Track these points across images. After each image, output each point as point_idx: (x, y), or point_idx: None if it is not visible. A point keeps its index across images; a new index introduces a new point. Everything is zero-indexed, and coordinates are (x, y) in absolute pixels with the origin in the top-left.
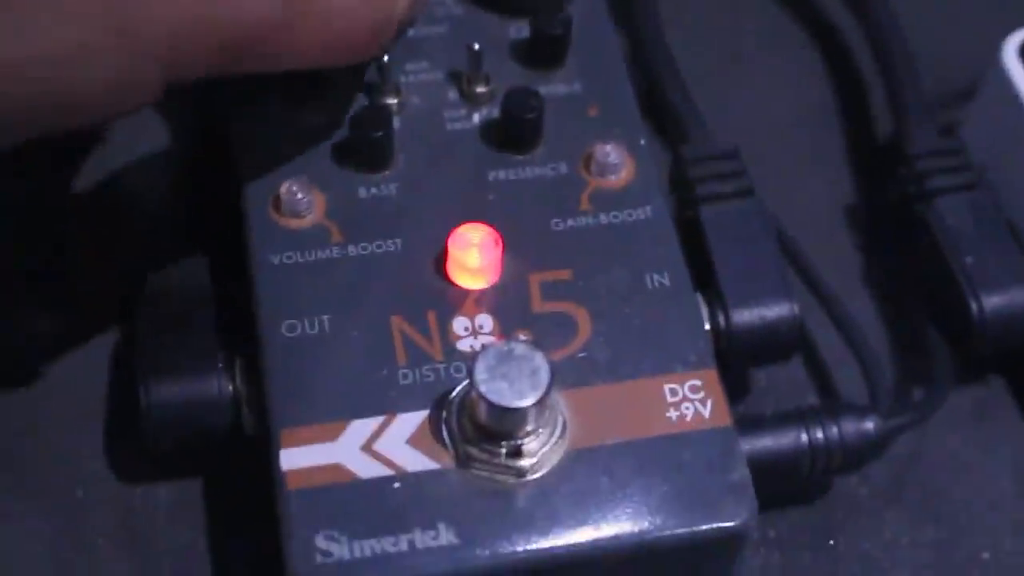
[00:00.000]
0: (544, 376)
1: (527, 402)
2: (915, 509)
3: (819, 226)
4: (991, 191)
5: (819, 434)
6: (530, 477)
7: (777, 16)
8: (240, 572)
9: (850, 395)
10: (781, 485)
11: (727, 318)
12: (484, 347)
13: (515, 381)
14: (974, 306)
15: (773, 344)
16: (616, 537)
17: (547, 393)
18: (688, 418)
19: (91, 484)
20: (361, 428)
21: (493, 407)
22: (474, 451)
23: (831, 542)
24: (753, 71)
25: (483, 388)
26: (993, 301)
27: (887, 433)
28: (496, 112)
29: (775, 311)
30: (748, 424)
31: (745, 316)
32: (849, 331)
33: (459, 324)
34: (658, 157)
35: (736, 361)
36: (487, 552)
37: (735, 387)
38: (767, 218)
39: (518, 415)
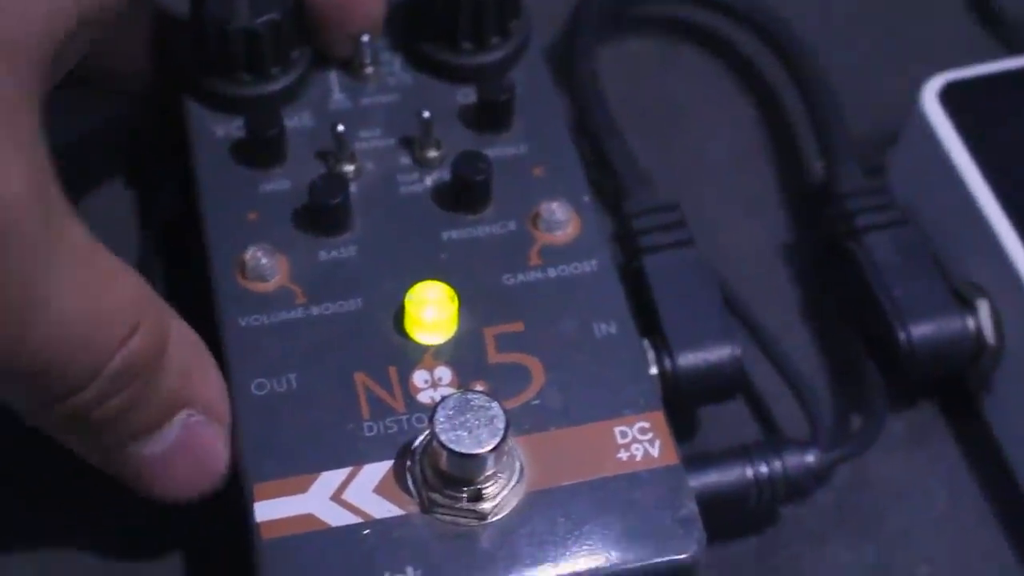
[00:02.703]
0: (500, 424)
1: (485, 449)
2: (856, 532)
3: (757, 265)
4: (917, 227)
5: (763, 468)
6: (491, 520)
7: (711, 69)
8: None
9: (792, 427)
10: (729, 516)
11: (673, 362)
12: (443, 398)
13: (473, 429)
14: (903, 336)
15: (717, 384)
16: (574, 573)
17: (504, 440)
18: (638, 458)
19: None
20: (330, 479)
21: (453, 455)
22: (437, 497)
23: (776, 566)
24: (690, 121)
25: (443, 437)
26: (920, 330)
27: (828, 464)
28: (447, 175)
29: (717, 353)
30: (696, 461)
31: (690, 359)
32: (787, 369)
33: (419, 377)
34: (602, 212)
35: (683, 401)
36: None
37: (683, 425)
38: (707, 265)
39: (477, 462)
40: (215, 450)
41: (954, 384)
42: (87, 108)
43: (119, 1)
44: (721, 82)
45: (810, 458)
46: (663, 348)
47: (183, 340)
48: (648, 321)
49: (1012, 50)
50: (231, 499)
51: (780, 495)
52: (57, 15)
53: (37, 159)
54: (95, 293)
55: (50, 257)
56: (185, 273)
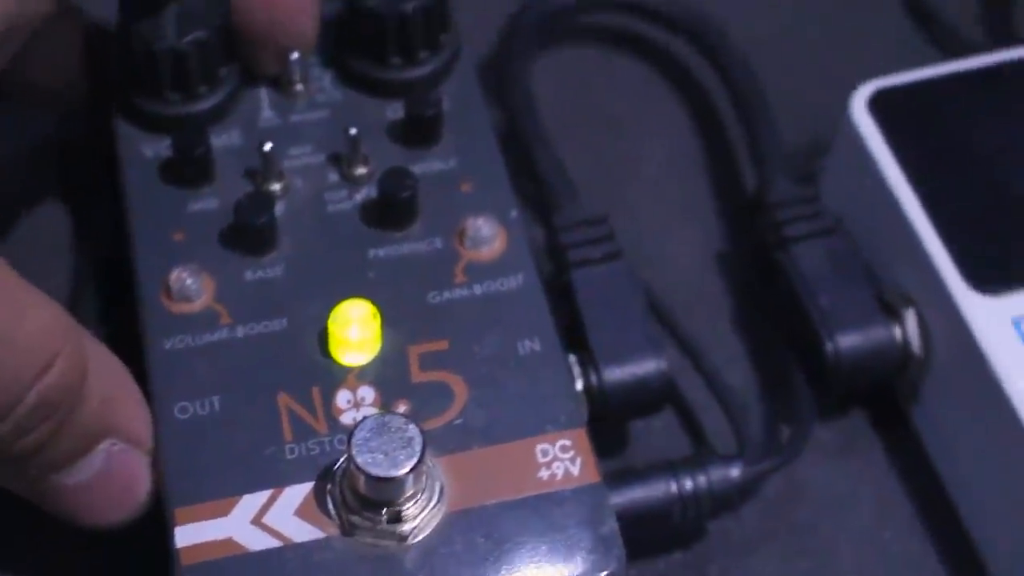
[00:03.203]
0: (417, 446)
1: (402, 471)
2: (786, 544)
3: (690, 275)
4: (847, 236)
5: (688, 483)
6: (411, 541)
7: (646, 78)
8: None
9: (723, 439)
10: (656, 532)
11: (599, 376)
12: (360, 420)
13: (391, 451)
14: (829, 346)
15: (644, 398)
16: None
17: (420, 462)
18: (559, 476)
19: None
20: (251, 502)
21: (370, 477)
22: (357, 519)
23: None
24: (625, 131)
25: (360, 460)
26: (847, 340)
27: (754, 478)
28: (375, 192)
29: (644, 367)
30: (620, 477)
31: (616, 373)
32: (714, 382)
33: (342, 398)
34: (534, 223)
35: (611, 416)
36: None
37: (612, 439)
38: (635, 279)
39: (395, 484)
40: (138, 477)
41: (884, 393)
42: (19, 123)
43: (32, 16)
44: (656, 91)
45: (734, 472)
46: (590, 363)
47: (104, 368)
48: (576, 336)
49: (947, 53)
50: (156, 523)
51: (706, 510)
52: None
53: None
54: (6, 326)
55: None
56: (118, 293)
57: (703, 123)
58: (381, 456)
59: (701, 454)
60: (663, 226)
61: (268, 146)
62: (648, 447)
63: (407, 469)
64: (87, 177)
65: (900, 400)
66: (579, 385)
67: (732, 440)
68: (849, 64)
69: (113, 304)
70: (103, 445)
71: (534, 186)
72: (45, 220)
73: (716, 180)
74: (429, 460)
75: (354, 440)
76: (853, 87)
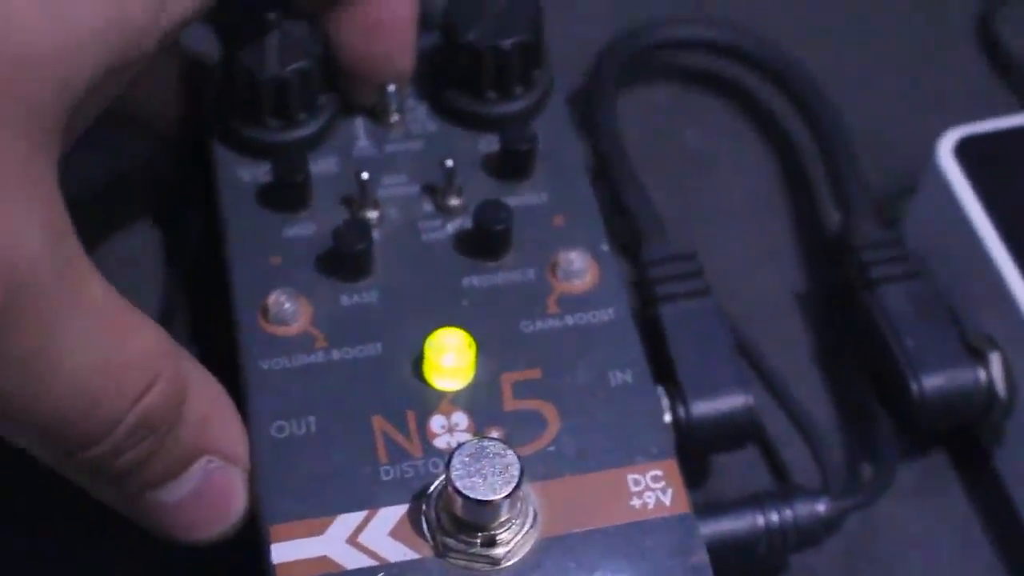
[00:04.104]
0: (515, 471)
1: (500, 496)
2: None
3: (772, 313)
4: (931, 279)
5: (774, 517)
6: (504, 565)
7: (729, 117)
8: None
9: (803, 474)
10: (739, 564)
11: (687, 409)
12: (459, 445)
13: (488, 476)
14: (915, 387)
15: (730, 432)
16: None
17: (518, 487)
18: (650, 506)
19: None
20: (347, 522)
21: (468, 501)
22: (451, 542)
23: None
24: (708, 170)
25: (458, 484)
26: (932, 382)
27: (838, 514)
28: (468, 222)
29: (731, 402)
30: (708, 509)
31: (703, 408)
32: (799, 417)
33: (436, 422)
34: (620, 257)
35: (696, 448)
36: None
37: (695, 472)
38: (722, 315)
39: (491, 508)
40: (234, 494)
41: (966, 434)
42: (116, 149)
43: (143, 54)
44: (739, 131)
45: (821, 507)
46: (677, 396)
47: (203, 389)
48: (662, 369)
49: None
50: (249, 541)
51: (790, 543)
52: (75, 72)
53: (54, 215)
54: (110, 348)
55: (65, 312)
56: (210, 312)
57: (784, 164)
58: (479, 480)
59: (788, 489)
60: (744, 264)
61: (365, 175)
62: (727, 481)
63: (504, 494)
64: (177, 202)
65: (982, 441)
66: (666, 418)
67: (812, 476)
68: (929, 111)
69: (203, 325)
70: (200, 463)
71: (619, 222)
72: (137, 242)
73: (797, 220)
74: (524, 486)
75: (453, 463)
76: (933, 133)
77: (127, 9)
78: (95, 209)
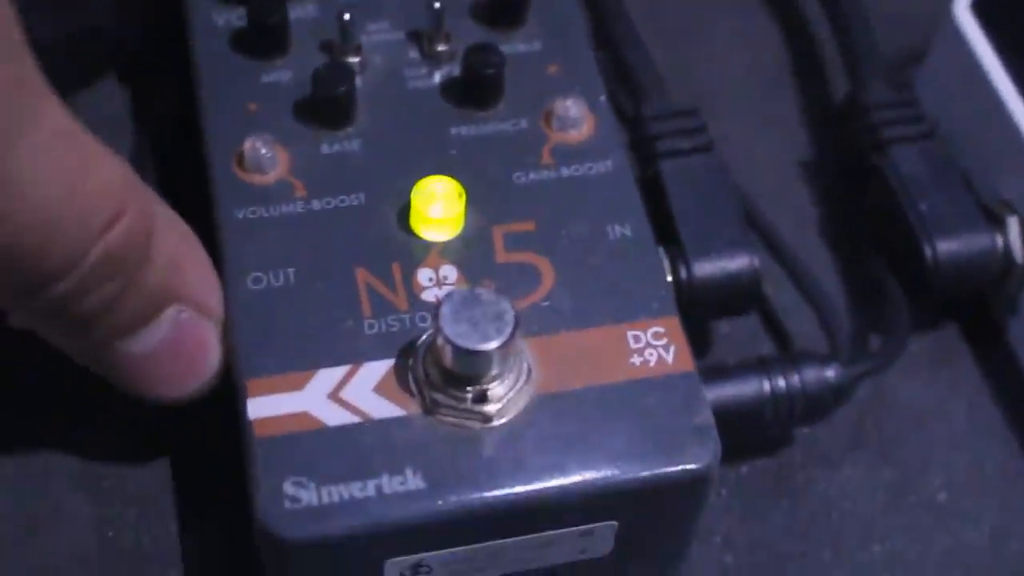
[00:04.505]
0: (509, 320)
1: (492, 345)
2: (873, 453)
3: (776, 181)
4: (945, 142)
5: (781, 383)
6: (496, 423)
7: None
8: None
9: (808, 346)
10: (744, 435)
11: (688, 270)
12: (450, 292)
13: (480, 324)
14: (928, 251)
15: (734, 296)
16: (583, 482)
17: (512, 336)
18: (652, 364)
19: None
20: (328, 377)
21: (459, 350)
22: (440, 397)
23: (791, 488)
24: (709, 32)
25: (449, 331)
26: (947, 246)
27: (849, 381)
28: (457, 71)
29: (736, 263)
30: (711, 373)
31: (706, 268)
32: (806, 283)
33: (423, 275)
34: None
35: (697, 313)
36: (455, 497)
37: (696, 340)
38: (726, 173)
39: (483, 358)
40: (207, 347)
41: (978, 306)
42: (71, 9)
43: None
44: None
45: (830, 373)
46: (679, 256)
47: (172, 230)
48: (664, 229)
49: None
50: (224, 399)
51: (797, 412)
52: None
53: (7, 27)
54: (72, 175)
55: (23, 132)
56: (180, 173)
57: (788, 27)
58: (470, 328)
59: (796, 354)
60: (749, 133)
61: (347, 16)
62: (727, 352)
63: (497, 343)
64: (146, 59)
65: (995, 313)
66: (667, 279)
67: (817, 347)
68: None
69: (173, 183)
70: (170, 311)
71: (616, 85)
72: (103, 103)
73: (802, 86)
74: (518, 338)
75: (442, 311)
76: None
77: None
78: (57, 67)
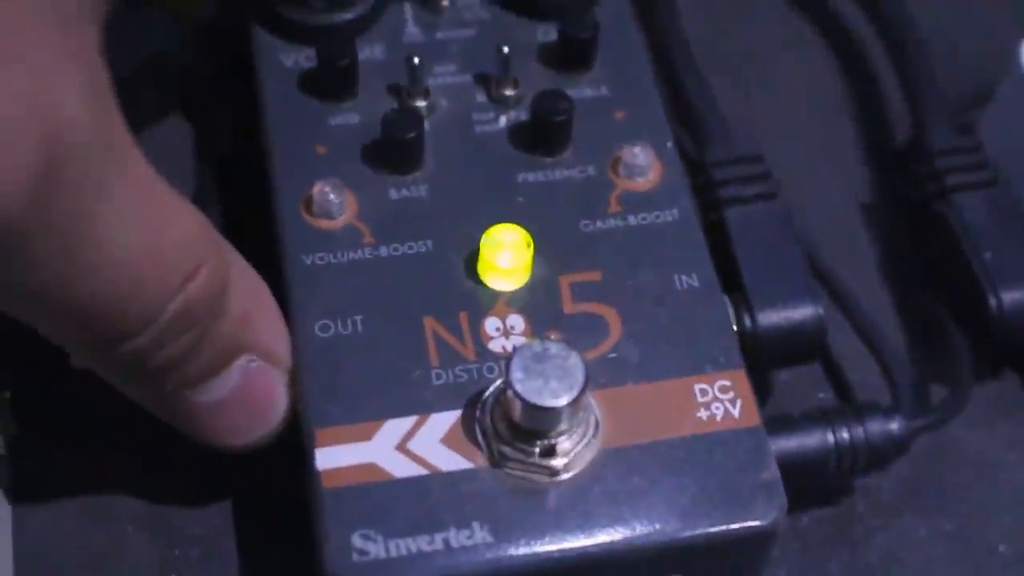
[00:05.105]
0: (579, 375)
1: (562, 401)
2: (933, 504)
3: (838, 224)
4: (1009, 188)
5: (845, 435)
6: (563, 476)
7: (793, 17)
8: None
9: (868, 394)
10: (806, 484)
11: (753, 320)
12: (520, 346)
13: (550, 380)
14: (993, 301)
15: (798, 345)
16: (648, 536)
17: (582, 392)
18: (718, 418)
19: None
20: (395, 428)
21: (528, 406)
22: (508, 450)
23: (850, 539)
24: (771, 71)
25: (519, 387)
26: (1012, 296)
27: (911, 433)
28: (524, 115)
29: (800, 313)
30: (775, 424)
31: (771, 317)
32: (870, 333)
33: (491, 325)
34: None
35: (760, 362)
36: (521, 550)
37: (758, 387)
38: (790, 220)
39: (553, 414)
40: (275, 396)
41: None
42: (144, 32)
43: None
44: (804, 30)
45: (893, 425)
46: (743, 305)
47: (244, 282)
48: (728, 277)
49: None
50: (290, 447)
51: (860, 463)
52: None
53: (98, 82)
54: (156, 230)
55: (109, 184)
56: (240, 209)
57: (851, 66)
58: (540, 384)
59: (860, 406)
60: (808, 173)
61: (416, 60)
62: (789, 400)
63: (567, 400)
64: (208, 91)
65: None
66: (733, 330)
67: (876, 396)
68: (1004, 18)
69: (235, 221)
70: (240, 361)
71: (679, 126)
72: (164, 134)
73: (864, 126)
74: (587, 393)
75: (513, 366)
76: (1009, 41)
77: None
78: (119, 97)
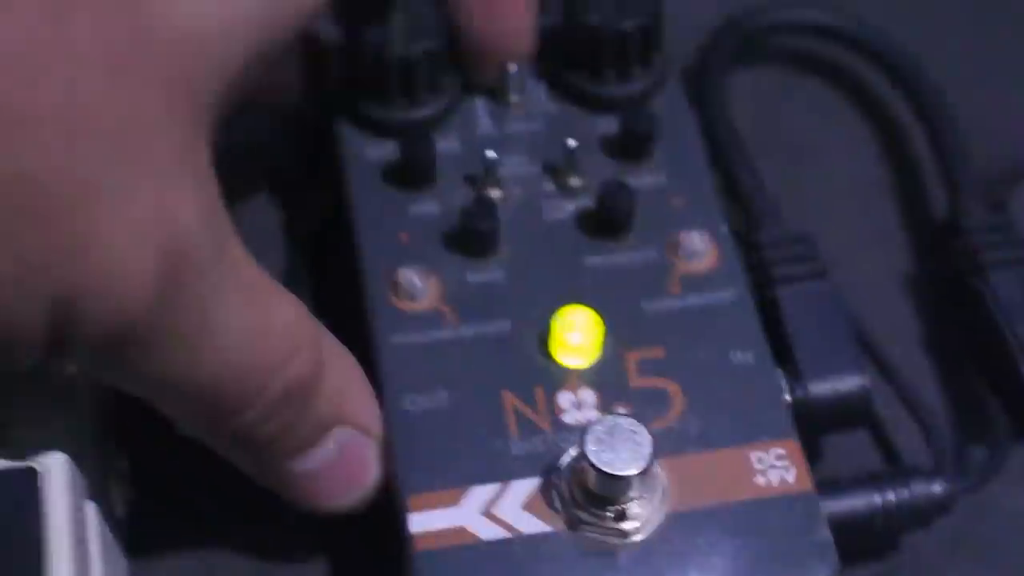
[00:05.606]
0: (647, 447)
1: (633, 471)
2: (976, 561)
3: (883, 299)
4: None
5: (891, 496)
6: (634, 538)
7: (833, 100)
8: None
9: (912, 458)
10: (852, 542)
11: (804, 390)
12: (593, 421)
13: (622, 451)
14: None
15: (846, 414)
16: None
17: (651, 463)
18: (774, 484)
19: None
20: (481, 494)
21: (602, 475)
22: (583, 515)
23: None
24: (814, 153)
25: (593, 458)
26: None
27: (953, 494)
28: (589, 202)
29: (848, 384)
30: (827, 487)
31: (821, 388)
32: (913, 401)
33: (564, 398)
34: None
35: (810, 428)
36: None
37: (811, 451)
38: (839, 296)
39: (625, 483)
40: (367, 464)
41: None
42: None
43: (285, 40)
44: (845, 114)
45: (937, 488)
46: (795, 376)
47: (339, 361)
48: (780, 350)
49: None
50: (380, 510)
51: (903, 524)
52: (233, 53)
53: (211, 192)
54: (261, 321)
55: (221, 284)
56: (327, 287)
57: (891, 148)
58: (612, 455)
59: (905, 469)
60: (852, 248)
61: (492, 153)
62: (837, 462)
63: (638, 469)
64: (295, 181)
65: None
66: (786, 398)
67: (918, 459)
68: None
69: (325, 303)
70: (335, 433)
71: (730, 205)
72: (255, 222)
73: (904, 204)
74: (655, 464)
75: (587, 439)
76: None
77: None
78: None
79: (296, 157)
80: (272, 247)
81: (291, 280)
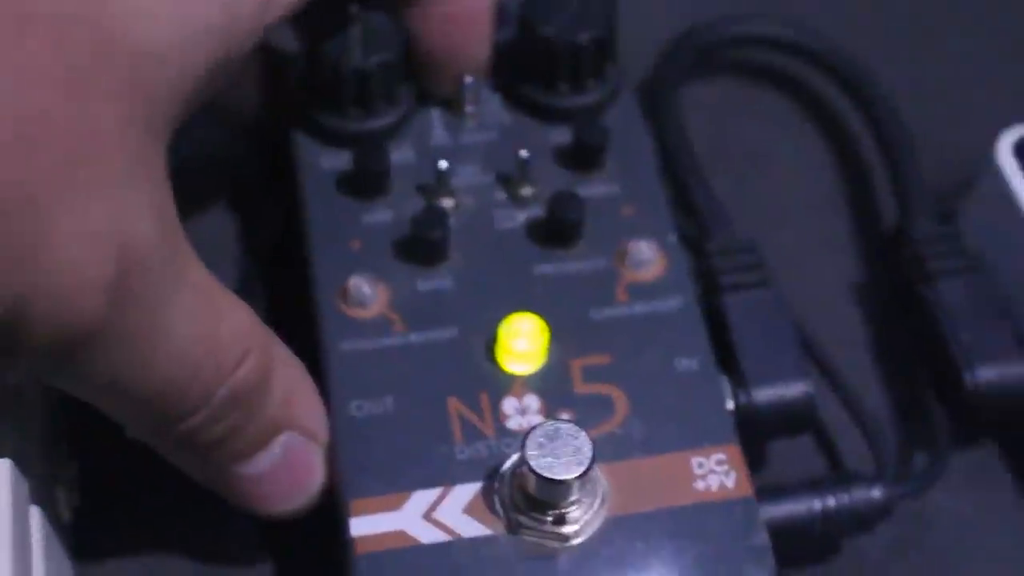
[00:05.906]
0: (587, 452)
1: (572, 475)
2: (918, 565)
3: (830, 306)
4: (987, 274)
5: (831, 501)
6: (574, 542)
7: (785, 111)
8: None
9: (855, 463)
10: (793, 546)
11: (748, 397)
12: (534, 426)
13: (562, 457)
14: (968, 379)
15: (789, 420)
16: None
17: (590, 468)
18: (714, 488)
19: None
20: (423, 498)
21: (542, 480)
22: (523, 519)
23: None
24: (767, 165)
25: (533, 463)
26: (986, 374)
27: (892, 500)
28: (540, 211)
29: (792, 390)
30: (766, 492)
31: (765, 395)
32: (856, 406)
33: (509, 404)
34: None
35: (754, 435)
36: None
37: (753, 457)
38: (784, 304)
39: (564, 487)
40: (313, 469)
41: (1019, 427)
42: (193, 136)
43: (244, 52)
44: (799, 125)
45: (876, 493)
46: (739, 383)
47: (287, 367)
48: (725, 357)
49: None
50: (324, 514)
51: (844, 528)
52: (190, 66)
53: (165, 201)
54: (209, 325)
55: (172, 290)
56: (284, 297)
57: (843, 159)
58: (553, 460)
59: (845, 475)
60: (802, 257)
61: (444, 164)
62: (782, 467)
63: (577, 474)
64: (253, 190)
65: None
66: (729, 404)
67: (864, 464)
68: (986, 109)
69: (278, 310)
70: (282, 438)
71: (682, 215)
72: (212, 231)
73: (855, 215)
74: (595, 467)
75: (528, 444)
76: (990, 131)
77: (239, 7)
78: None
79: (256, 168)
80: (230, 256)
81: (245, 289)
